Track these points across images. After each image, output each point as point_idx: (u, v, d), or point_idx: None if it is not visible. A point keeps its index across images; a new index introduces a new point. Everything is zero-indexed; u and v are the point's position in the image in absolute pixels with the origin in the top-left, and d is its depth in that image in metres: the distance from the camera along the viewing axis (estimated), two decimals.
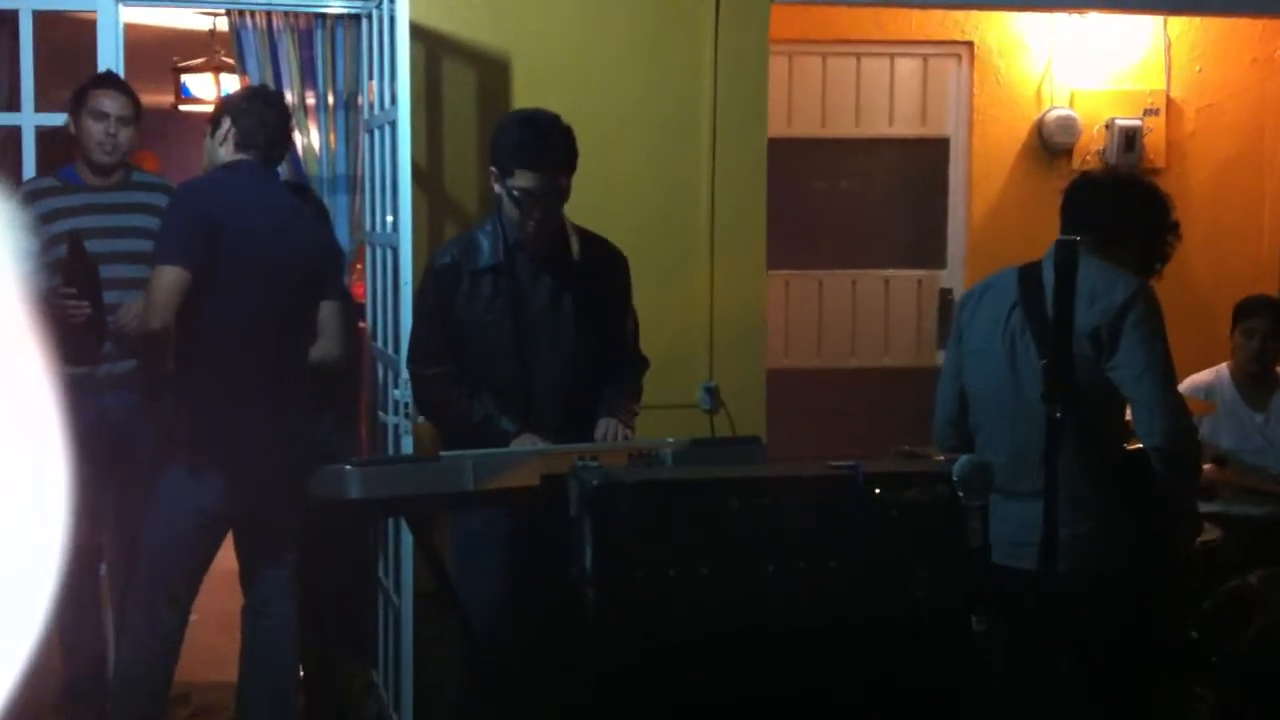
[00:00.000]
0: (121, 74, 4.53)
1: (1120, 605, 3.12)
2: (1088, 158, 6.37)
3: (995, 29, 6.34)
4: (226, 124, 3.78)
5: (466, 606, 3.40)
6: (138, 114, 4.11)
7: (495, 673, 3.44)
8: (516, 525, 3.40)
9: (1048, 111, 6.32)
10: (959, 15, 6.24)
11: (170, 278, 3.49)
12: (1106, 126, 6.33)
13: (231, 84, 6.75)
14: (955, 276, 6.46)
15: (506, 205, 3.46)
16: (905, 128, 6.45)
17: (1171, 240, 3.29)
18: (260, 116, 3.75)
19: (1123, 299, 3.05)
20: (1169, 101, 6.44)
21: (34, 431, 0.70)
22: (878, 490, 2.81)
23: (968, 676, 2.70)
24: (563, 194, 3.45)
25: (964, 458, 2.56)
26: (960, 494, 2.55)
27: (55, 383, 0.71)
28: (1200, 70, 6.49)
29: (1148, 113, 6.38)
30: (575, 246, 3.57)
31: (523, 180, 3.39)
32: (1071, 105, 6.34)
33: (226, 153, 3.77)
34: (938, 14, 6.19)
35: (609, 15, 4.98)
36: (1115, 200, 3.26)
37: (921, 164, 6.48)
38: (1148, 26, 6.37)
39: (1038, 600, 3.04)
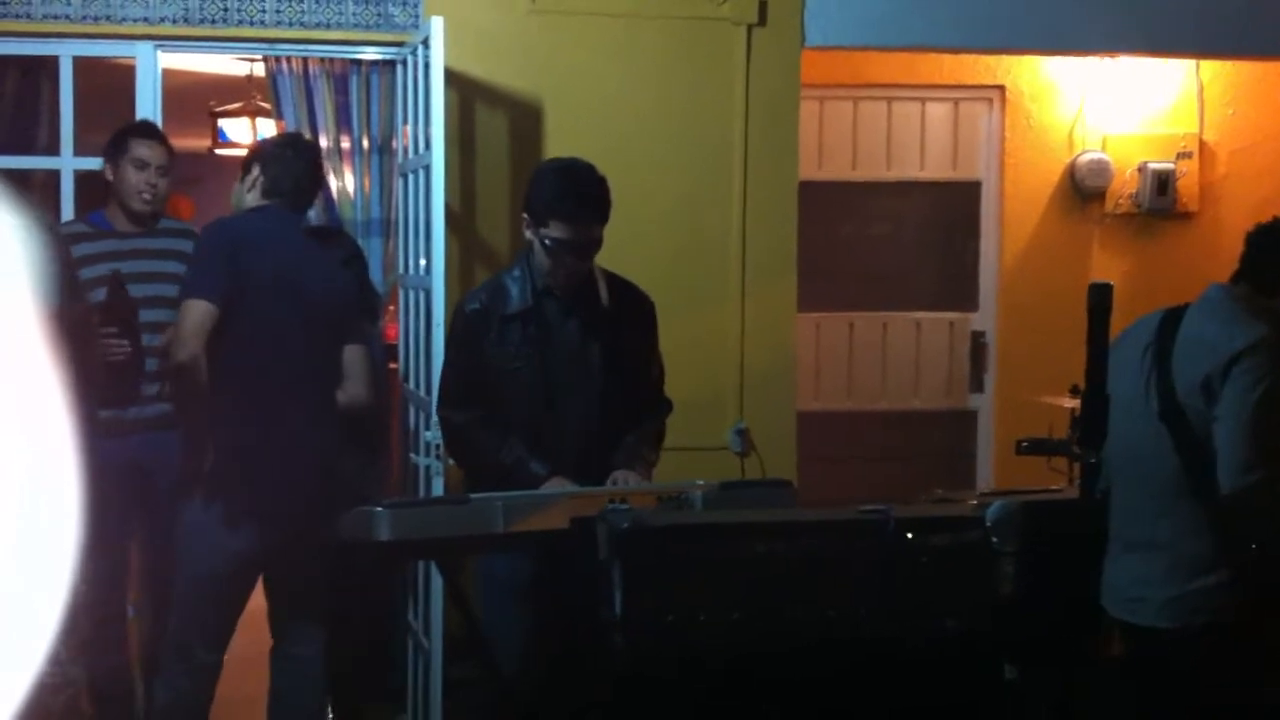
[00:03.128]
0: (159, 118, 4.59)
1: (1232, 661, 3.03)
2: (1120, 201, 6.35)
3: (1027, 73, 6.34)
4: (256, 170, 3.82)
5: (495, 650, 3.39)
6: (173, 163, 4.16)
7: (524, 717, 3.43)
8: (546, 568, 3.40)
9: (1080, 155, 6.31)
10: (990, 59, 6.25)
11: (198, 311, 3.52)
12: (1139, 170, 6.31)
13: (268, 129, 6.83)
14: (987, 319, 6.44)
15: (538, 253, 3.48)
16: (936, 171, 6.46)
17: None
18: (288, 164, 3.79)
19: (1235, 349, 2.95)
20: (1202, 145, 6.42)
21: (49, 464, 0.71)
22: (909, 535, 2.79)
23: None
24: (596, 244, 3.47)
25: (998, 503, 2.54)
26: (994, 540, 2.53)
27: (83, 422, 0.72)
28: (1233, 113, 6.47)
29: (1181, 156, 6.36)
30: (604, 292, 3.58)
31: (557, 231, 3.41)
32: (1104, 149, 6.33)
33: (253, 199, 3.81)
34: (969, 58, 6.21)
35: (641, 59, 5.02)
36: (1268, 246, 3.14)
37: (953, 207, 6.48)
38: (1180, 70, 6.36)
39: (1147, 655, 2.99)
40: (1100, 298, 2.43)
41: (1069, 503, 2.99)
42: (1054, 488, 3.36)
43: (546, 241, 3.43)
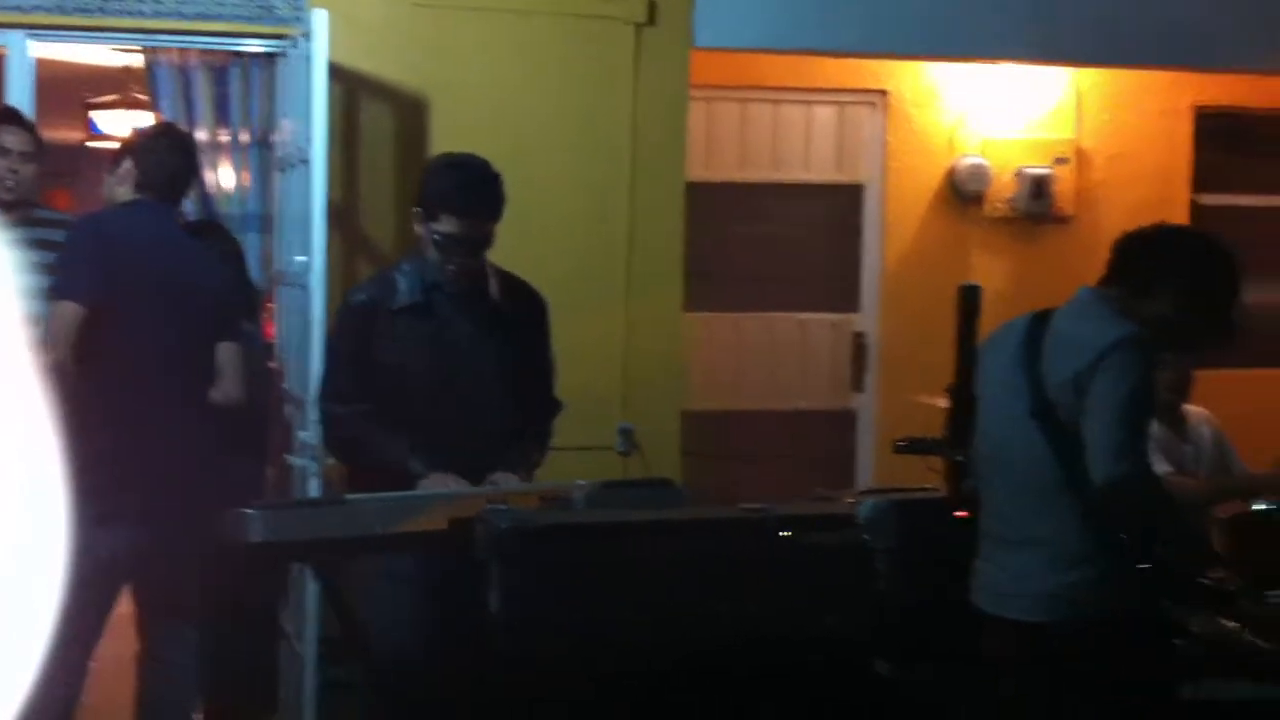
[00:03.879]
0: (32, 109, 4.47)
1: (1113, 652, 3.08)
2: (998, 205, 6.48)
3: (909, 78, 6.44)
4: (128, 163, 3.74)
5: (376, 653, 3.36)
6: (40, 150, 4.04)
7: (404, 717, 3.40)
8: (429, 569, 3.37)
9: (960, 159, 6.43)
10: (874, 64, 6.34)
11: (67, 313, 3.44)
12: (1017, 175, 6.45)
13: (146, 121, 6.68)
14: (869, 320, 6.53)
15: (429, 248, 3.46)
16: (822, 173, 6.53)
17: (1212, 303, 3.15)
18: (161, 156, 3.72)
19: (1104, 345, 2.99)
20: (1078, 150, 6.57)
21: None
22: (787, 533, 2.82)
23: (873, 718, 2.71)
24: (487, 240, 3.46)
25: (870, 501, 2.58)
26: (866, 537, 2.57)
27: None
28: (1109, 120, 6.64)
29: (1057, 161, 6.50)
30: (495, 288, 3.57)
31: (448, 226, 3.39)
32: (983, 154, 6.45)
33: (126, 192, 3.73)
34: (853, 63, 6.28)
35: (529, 55, 5.01)
36: (1143, 253, 3.18)
37: (837, 209, 6.56)
38: (1059, 77, 6.51)
39: (1027, 650, 3.04)
40: (969, 299, 2.48)
41: (939, 500, 3.04)
42: (927, 486, 3.41)
43: (437, 236, 3.41)
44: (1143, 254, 3.19)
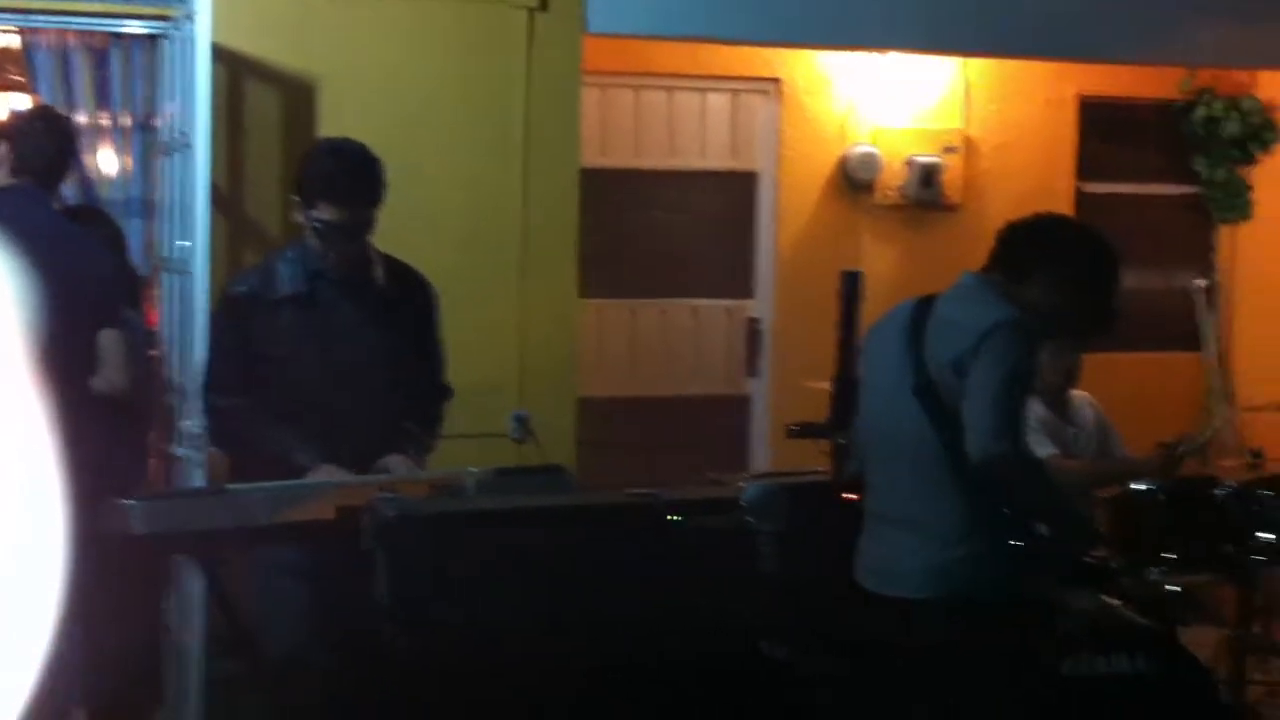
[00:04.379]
0: None
1: (992, 628, 3.13)
2: (888, 193, 6.57)
3: (802, 67, 6.50)
4: (4, 147, 3.65)
5: (266, 644, 3.31)
6: None
7: (296, 713, 3.36)
8: (316, 560, 3.33)
9: (851, 148, 6.50)
10: (768, 52, 6.38)
11: None
12: (907, 163, 6.54)
13: (23, 104, 6.50)
14: (764, 306, 6.59)
15: (309, 235, 3.41)
16: (716, 160, 6.57)
17: (1089, 291, 3.25)
18: (39, 140, 3.63)
19: (985, 327, 3.05)
20: (967, 140, 6.68)
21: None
22: (674, 517, 2.84)
23: (761, 699, 2.74)
24: (367, 227, 3.42)
25: (754, 485, 2.60)
26: (750, 520, 2.59)
27: None
28: (997, 110, 6.76)
29: (946, 150, 6.61)
30: (380, 274, 3.53)
31: (326, 213, 3.35)
32: (874, 142, 6.53)
33: (2, 176, 3.64)
34: (747, 51, 6.32)
35: (420, 39, 4.96)
36: (1021, 241, 3.27)
37: (732, 196, 6.60)
38: (947, 68, 6.61)
39: (909, 627, 3.08)
40: (850, 285, 2.51)
41: (823, 483, 3.08)
42: (816, 469, 3.45)
43: (316, 224, 3.37)
44: (1022, 242, 3.27)
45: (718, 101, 6.54)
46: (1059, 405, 4.67)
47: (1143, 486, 4.12)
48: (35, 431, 0.73)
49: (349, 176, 3.36)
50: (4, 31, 5.99)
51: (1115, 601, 3.72)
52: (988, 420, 2.98)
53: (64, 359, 3.56)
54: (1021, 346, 3.08)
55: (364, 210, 3.38)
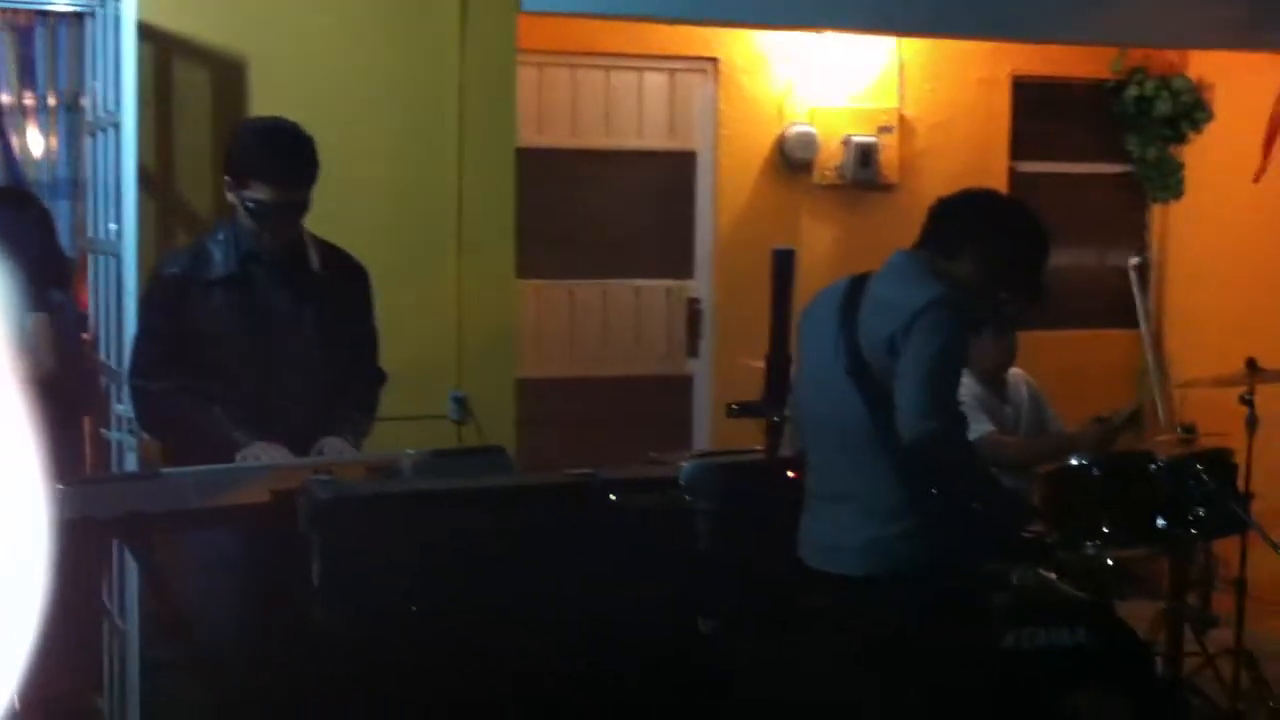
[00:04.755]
0: None
1: (927, 603, 3.14)
2: (826, 172, 6.58)
3: (740, 46, 6.49)
4: None
5: (202, 629, 3.27)
6: None
7: (228, 693, 3.32)
8: (251, 543, 3.29)
9: (789, 127, 6.51)
10: (705, 32, 6.37)
11: None
12: (844, 143, 6.56)
13: None
14: (703, 286, 6.59)
15: (241, 216, 3.36)
16: (654, 140, 6.55)
17: (1018, 265, 3.26)
18: None
19: (916, 306, 3.06)
20: (902, 119, 6.70)
21: None
22: (613, 496, 2.83)
23: (698, 677, 2.74)
24: (301, 207, 3.38)
25: (691, 463, 2.60)
26: (688, 498, 2.59)
27: None
28: (931, 90, 6.79)
29: (882, 130, 6.63)
30: (314, 257, 3.49)
31: (259, 192, 3.30)
32: (811, 122, 6.54)
33: None
34: (684, 30, 6.30)
35: (349, 18, 4.89)
36: (951, 216, 3.29)
37: (670, 176, 6.58)
38: (883, 47, 6.63)
39: (847, 603, 3.09)
40: (782, 264, 2.51)
41: (761, 462, 3.08)
42: (755, 448, 3.46)
43: (249, 204, 3.32)
44: (950, 217, 3.29)
45: (655, 81, 6.52)
46: (995, 383, 4.70)
47: (1078, 462, 4.17)
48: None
49: (280, 155, 3.32)
50: None
51: (1052, 575, 3.77)
52: (918, 400, 3.00)
53: None
54: (952, 325, 3.09)
55: (298, 190, 3.34)
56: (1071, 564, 3.90)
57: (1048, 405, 4.84)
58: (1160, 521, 4.04)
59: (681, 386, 6.61)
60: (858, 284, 3.24)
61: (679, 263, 6.60)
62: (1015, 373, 4.81)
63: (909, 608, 3.16)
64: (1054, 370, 5.44)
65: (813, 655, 3.21)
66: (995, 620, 3.40)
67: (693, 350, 6.59)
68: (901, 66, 6.71)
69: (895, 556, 3.13)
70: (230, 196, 3.37)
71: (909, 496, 3.13)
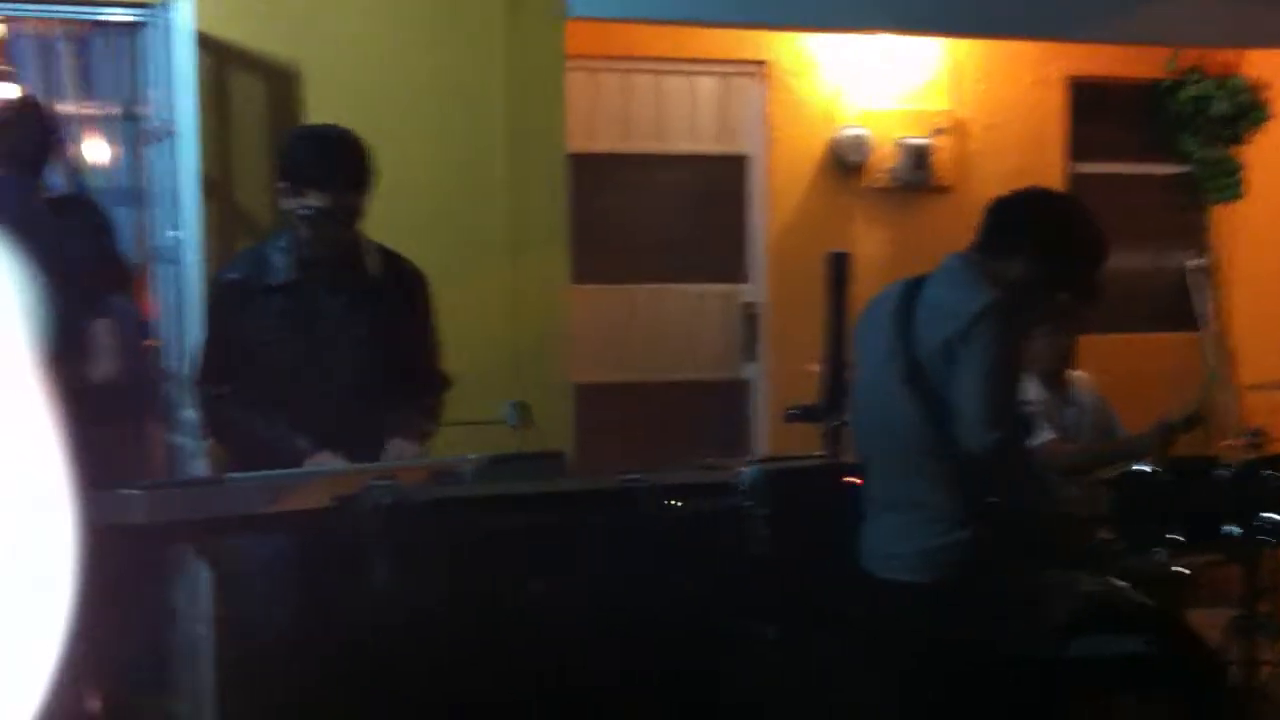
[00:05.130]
0: None
1: (987, 612, 3.11)
2: (879, 175, 6.54)
3: (788, 49, 6.46)
4: None
5: (260, 632, 3.29)
6: None
7: (291, 700, 3.33)
8: (312, 546, 3.30)
9: (840, 130, 6.47)
10: (755, 35, 6.35)
11: None
12: (897, 145, 6.51)
13: (7, 93, 6.44)
14: (758, 290, 6.56)
15: (297, 223, 3.38)
16: (706, 144, 6.54)
17: (1073, 262, 3.22)
18: (22, 130, 3.59)
19: (973, 312, 3.03)
20: (956, 121, 6.66)
21: None
22: (670, 502, 2.81)
23: (759, 680, 2.72)
24: (355, 213, 3.38)
25: (750, 468, 2.58)
26: (747, 504, 2.57)
27: None
28: (985, 90, 6.73)
29: (936, 132, 6.58)
30: (372, 263, 3.50)
31: (313, 199, 3.31)
32: (863, 124, 6.50)
33: None
34: (733, 33, 6.29)
35: (401, 27, 4.92)
36: (1005, 216, 3.24)
37: (722, 180, 6.57)
38: (935, 49, 6.59)
39: (907, 610, 3.06)
40: (838, 267, 2.48)
41: (818, 467, 3.06)
42: (814, 453, 3.43)
43: (304, 211, 3.33)
44: (1003, 218, 3.25)
45: (706, 84, 6.51)
46: (1057, 386, 4.65)
47: (1145, 468, 4.11)
48: (37, 424, 0.70)
49: (333, 161, 3.33)
50: None
51: (1121, 583, 3.71)
52: (982, 410, 2.96)
53: (54, 350, 3.52)
54: (1009, 331, 3.06)
55: (351, 196, 3.35)
56: (1140, 571, 3.84)
57: (1112, 410, 4.78)
58: (1229, 528, 3.97)
59: (738, 391, 6.59)
60: (912, 288, 3.21)
61: (732, 267, 6.58)
62: (1079, 377, 4.75)
63: (969, 615, 3.13)
64: (1115, 375, 5.37)
65: (873, 662, 3.18)
66: (1061, 628, 3.35)
67: (749, 354, 6.56)
68: (955, 68, 6.67)
69: (955, 563, 3.10)
70: (285, 204, 3.38)
71: (968, 503, 3.10)
